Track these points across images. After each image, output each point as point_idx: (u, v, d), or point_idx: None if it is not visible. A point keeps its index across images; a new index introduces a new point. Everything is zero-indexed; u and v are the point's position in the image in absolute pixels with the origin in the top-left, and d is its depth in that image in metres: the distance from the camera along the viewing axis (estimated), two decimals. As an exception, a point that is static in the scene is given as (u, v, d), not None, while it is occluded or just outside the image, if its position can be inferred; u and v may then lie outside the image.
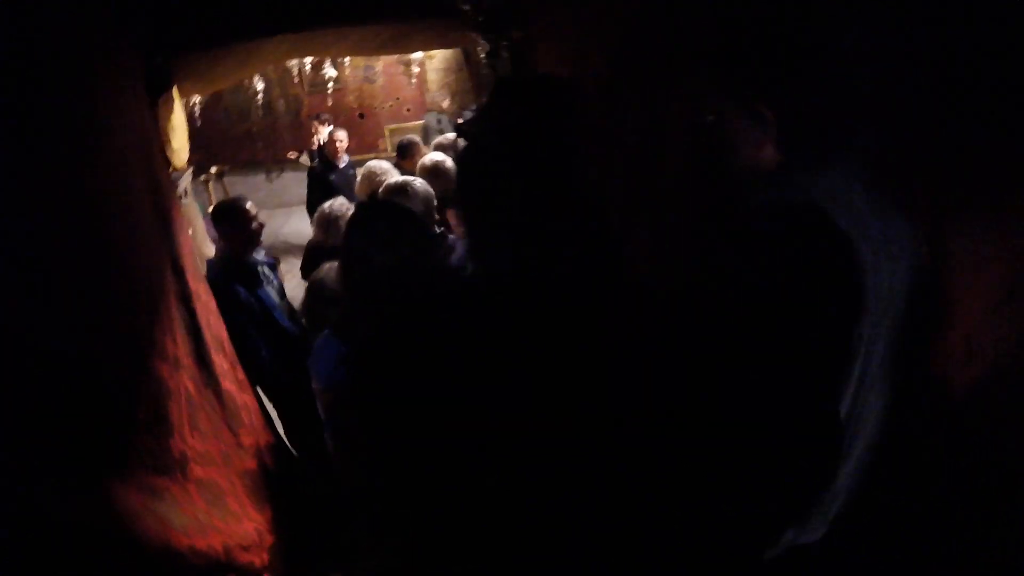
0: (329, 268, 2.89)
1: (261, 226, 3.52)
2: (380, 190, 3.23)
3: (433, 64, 10.20)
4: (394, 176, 4.39)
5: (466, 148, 1.22)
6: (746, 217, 1.30)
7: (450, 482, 1.23)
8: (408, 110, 10.91)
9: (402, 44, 3.78)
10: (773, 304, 1.14)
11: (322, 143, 7.41)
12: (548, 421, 1.10)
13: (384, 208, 2.25)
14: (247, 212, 3.42)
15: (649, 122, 2.35)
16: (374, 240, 1.95)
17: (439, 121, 8.48)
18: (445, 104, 8.31)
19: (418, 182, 3.01)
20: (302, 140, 10.84)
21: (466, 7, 2.79)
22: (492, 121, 1.19)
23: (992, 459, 1.25)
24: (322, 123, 7.84)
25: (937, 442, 1.38)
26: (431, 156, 4.05)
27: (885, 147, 1.36)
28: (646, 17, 2.26)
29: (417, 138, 5.96)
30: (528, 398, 1.10)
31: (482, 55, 4.51)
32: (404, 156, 5.60)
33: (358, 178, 6.39)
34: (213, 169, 7.91)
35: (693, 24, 1.87)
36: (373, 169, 4.41)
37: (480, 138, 1.19)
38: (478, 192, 1.18)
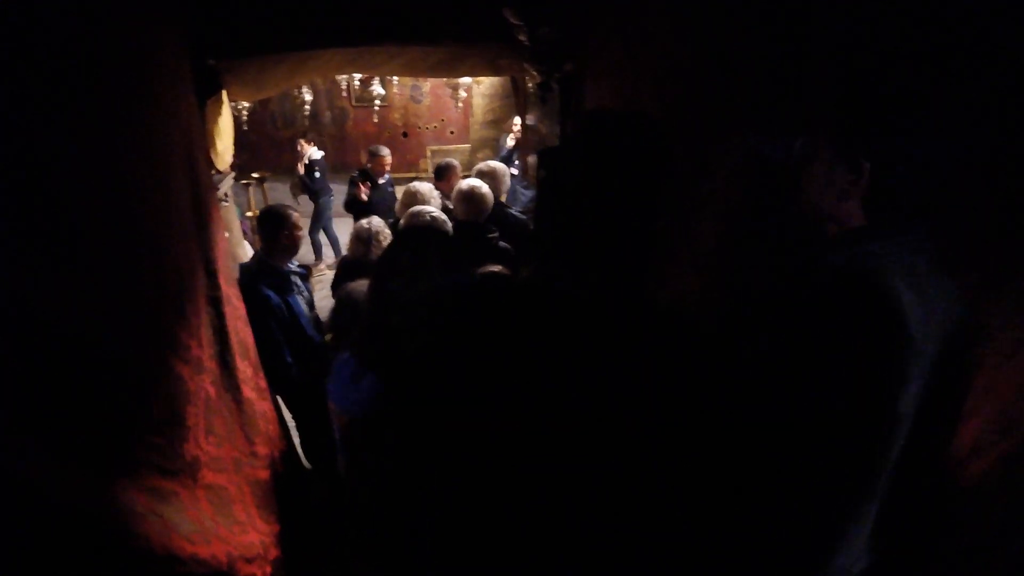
0: (361, 284, 2.89)
1: (300, 238, 3.57)
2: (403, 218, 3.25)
3: (480, 90, 10.28)
4: (435, 198, 4.41)
5: (547, 176, 1.23)
6: (804, 277, 1.27)
7: (467, 511, 1.19)
8: (452, 132, 10.99)
9: (452, 68, 3.80)
10: (814, 368, 1.12)
11: (309, 161, 8.13)
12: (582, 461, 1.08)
13: (411, 238, 2.25)
14: (291, 221, 3.46)
15: (699, 165, 2.32)
16: (397, 268, 1.94)
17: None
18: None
19: (431, 214, 3.00)
20: (346, 153, 11.04)
21: (522, 36, 2.79)
22: (579, 151, 1.18)
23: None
24: (308, 142, 8.43)
25: (962, 516, 1.35)
26: (468, 181, 4.06)
27: (954, 218, 1.33)
28: (711, 58, 2.24)
29: (455, 161, 6.03)
30: (557, 429, 1.08)
31: (530, 85, 4.53)
32: (440, 178, 5.65)
33: (397, 195, 6.51)
34: (255, 174, 8.02)
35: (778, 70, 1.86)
36: (413, 191, 4.44)
37: (563, 166, 1.19)
38: (554, 217, 1.19)
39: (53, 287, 1.38)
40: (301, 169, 8.17)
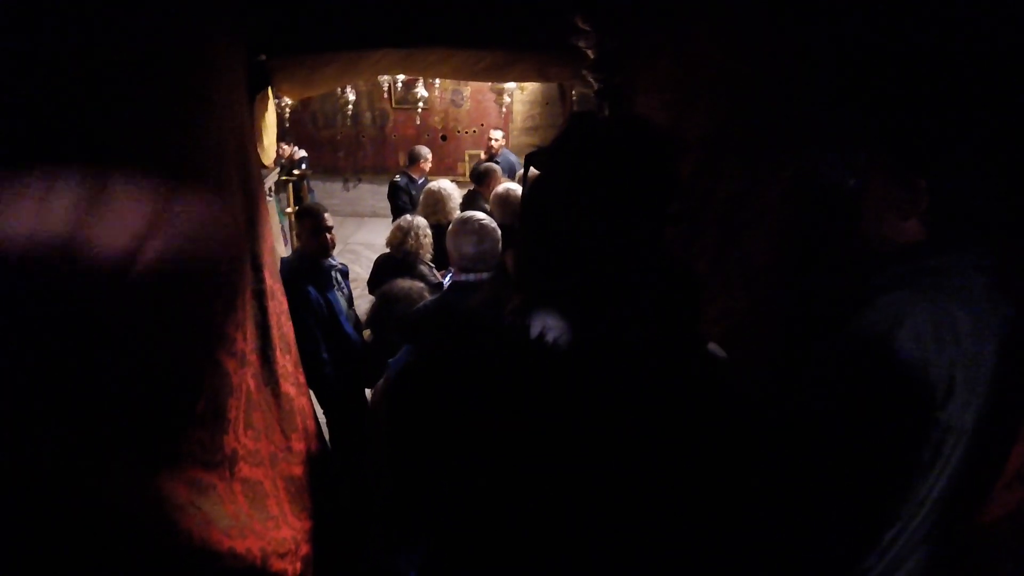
0: (403, 283, 2.89)
1: (332, 235, 3.62)
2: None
3: (521, 96, 10.27)
4: (455, 197, 4.44)
5: (535, 180, 1.09)
6: (855, 294, 1.24)
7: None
8: (491, 138, 11.01)
9: (502, 73, 3.78)
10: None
11: (295, 160, 8.52)
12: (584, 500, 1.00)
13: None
14: (324, 219, 3.51)
15: (751, 182, 2.28)
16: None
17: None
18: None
19: (482, 219, 2.98)
20: (384, 155, 11.12)
21: (582, 44, 2.77)
22: (563, 154, 1.07)
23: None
24: (290, 144, 8.76)
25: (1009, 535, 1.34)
26: (504, 185, 4.09)
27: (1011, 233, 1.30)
28: (769, 75, 2.20)
29: (495, 165, 6.05)
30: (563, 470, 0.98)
31: (574, 94, 4.51)
32: (480, 183, 5.67)
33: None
34: (296, 171, 8.11)
35: (838, 89, 1.82)
36: (434, 190, 4.49)
37: (549, 171, 1.08)
38: (539, 229, 1.07)
39: (107, 280, 1.38)
40: (296, 156, 8.55)
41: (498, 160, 7.31)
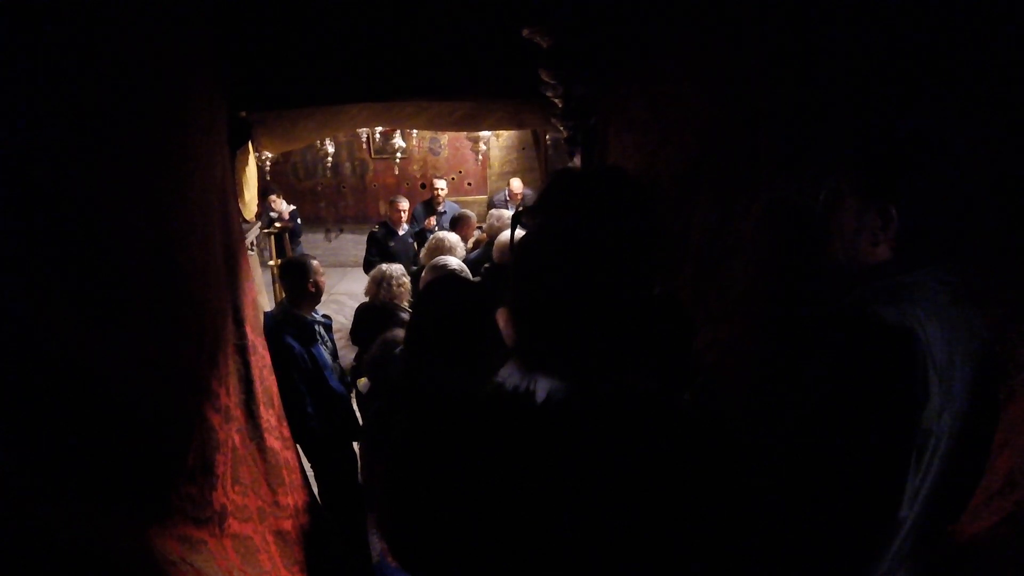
0: (402, 331, 2.90)
1: (324, 284, 3.61)
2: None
3: (498, 142, 10.42)
4: (459, 250, 4.47)
5: (522, 240, 1.09)
6: (823, 323, 1.27)
7: None
8: (469, 184, 11.11)
9: (476, 122, 3.87)
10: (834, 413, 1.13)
11: (291, 212, 8.69)
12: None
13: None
14: (314, 269, 3.51)
15: (724, 216, 2.34)
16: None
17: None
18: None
19: (452, 265, 3.00)
20: (365, 204, 11.21)
21: (550, 94, 2.86)
22: (547, 211, 1.08)
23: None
24: (279, 196, 8.84)
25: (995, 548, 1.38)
26: (507, 233, 4.13)
27: (976, 249, 1.35)
28: (736, 113, 2.28)
29: (470, 212, 6.22)
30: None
31: (547, 138, 4.62)
32: (454, 228, 5.78)
33: (415, 244, 6.66)
34: (277, 224, 8.14)
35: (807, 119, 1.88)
36: (440, 237, 4.52)
37: (537, 229, 1.08)
38: (532, 289, 1.07)
39: (99, 340, 1.40)
40: (287, 215, 8.63)
41: (443, 210, 7.46)
